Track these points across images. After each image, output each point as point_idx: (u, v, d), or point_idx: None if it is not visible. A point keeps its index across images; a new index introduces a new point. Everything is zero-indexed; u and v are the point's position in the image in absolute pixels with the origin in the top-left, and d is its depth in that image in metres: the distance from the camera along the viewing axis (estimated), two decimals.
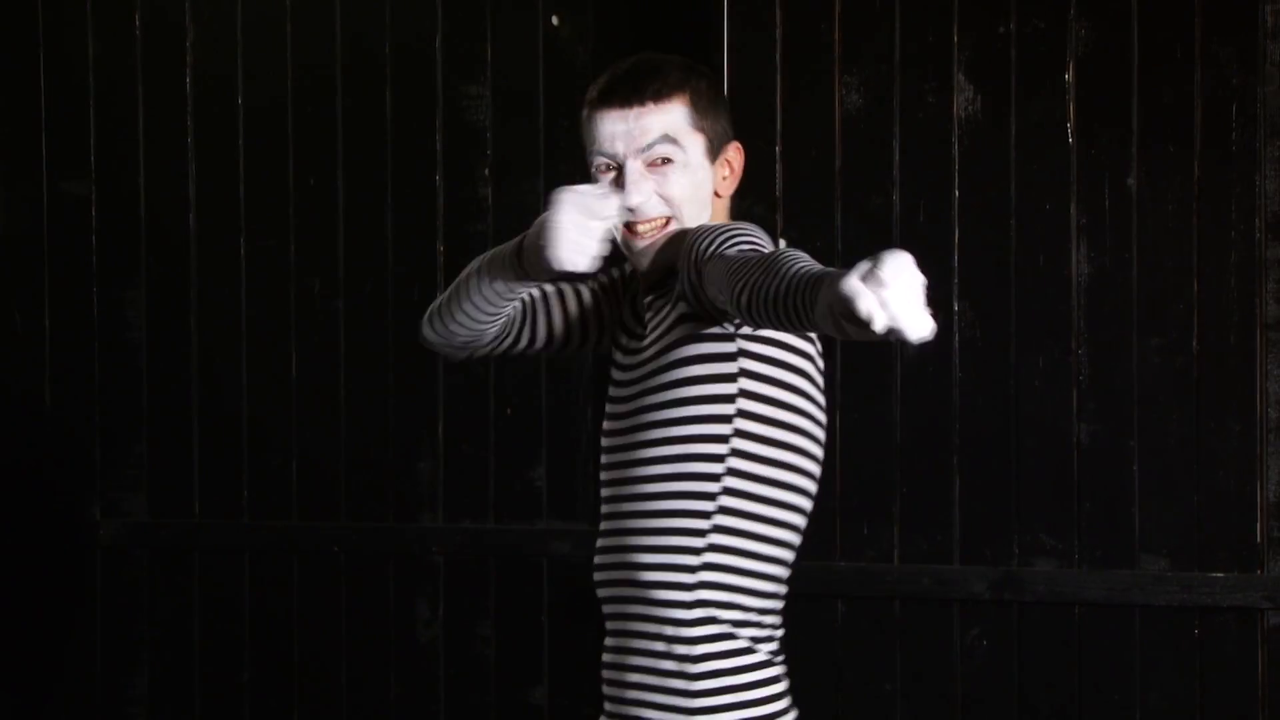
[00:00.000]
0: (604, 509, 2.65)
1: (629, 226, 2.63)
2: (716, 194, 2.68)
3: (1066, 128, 3.98)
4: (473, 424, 4.38)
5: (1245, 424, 3.92)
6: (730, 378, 2.56)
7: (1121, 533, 3.96)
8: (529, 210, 4.06)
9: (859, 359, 4.06)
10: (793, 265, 2.26)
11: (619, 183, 2.61)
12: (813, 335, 2.58)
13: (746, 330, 2.55)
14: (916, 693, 4.05)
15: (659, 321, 2.62)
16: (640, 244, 2.63)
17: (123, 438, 4.61)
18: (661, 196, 2.62)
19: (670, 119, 2.63)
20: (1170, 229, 3.95)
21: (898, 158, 4.06)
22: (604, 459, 2.65)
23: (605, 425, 2.67)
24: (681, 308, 2.58)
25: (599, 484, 2.68)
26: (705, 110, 2.65)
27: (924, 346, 4.04)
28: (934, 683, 4.05)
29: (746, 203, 4.08)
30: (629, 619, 2.59)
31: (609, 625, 2.64)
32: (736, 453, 2.55)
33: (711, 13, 4.12)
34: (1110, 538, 3.97)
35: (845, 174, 4.08)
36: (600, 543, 2.63)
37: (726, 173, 2.68)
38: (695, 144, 2.64)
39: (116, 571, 4.61)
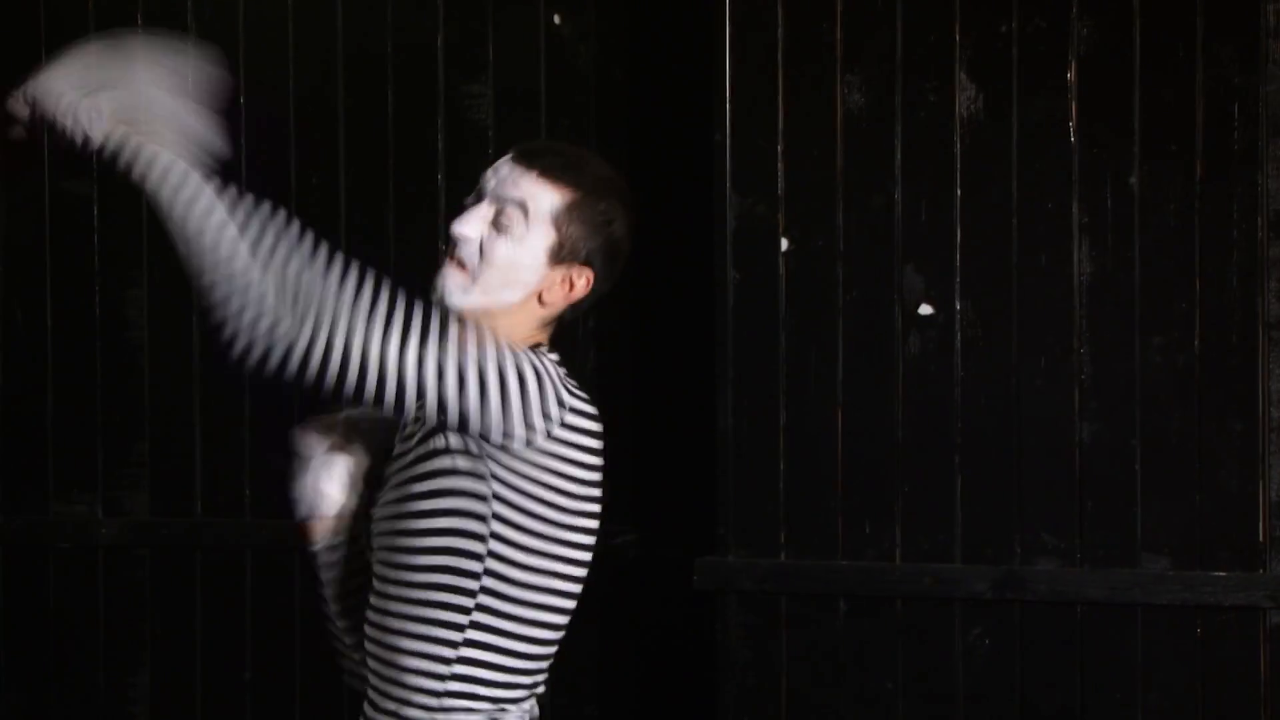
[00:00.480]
0: (375, 569, 2.61)
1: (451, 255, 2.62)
2: (541, 299, 2.62)
3: (1068, 127, 3.98)
4: None
5: (1247, 423, 3.91)
6: (485, 497, 2.54)
7: (1123, 532, 3.96)
8: None
9: (861, 358, 4.07)
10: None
11: (452, 226, 2.62)
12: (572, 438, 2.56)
13: (495, 465, 2.53)
14: (918, 692, 4.06)
15: (416, 432, 2.59)
16: (449, 273, 2.63)
17: (124, 436, 4.61)
18: (481, 249, 2.60)
19: (539, 199, 2.60)
20: (1172, 228, 3.95)
21: (899, 157, 4.06)
22: (376, 524, 2.62)
23: (385, 487, 2.63)
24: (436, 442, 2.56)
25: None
26: (579, 220, 2.61)
27: (925, 345, 4.04)
28: (935, 682, 4.05)
29: (748, 202, 4.09)
30: (383, 691, 2.61)
31: (369, 679, 2.64)
32: (490, 570, 2.55)
33: (712, 12, 4.12)
34: (1112, 537, 3.97)
35: (846, 173, 4.08)
36: (368, 614, 2.62)
37: (565, 290, 2.62)
38: (542, 234, 2.60)
39: (118, 570, 4.61)
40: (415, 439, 2.59)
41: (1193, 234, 3.94)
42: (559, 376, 2.55)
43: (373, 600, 2.61)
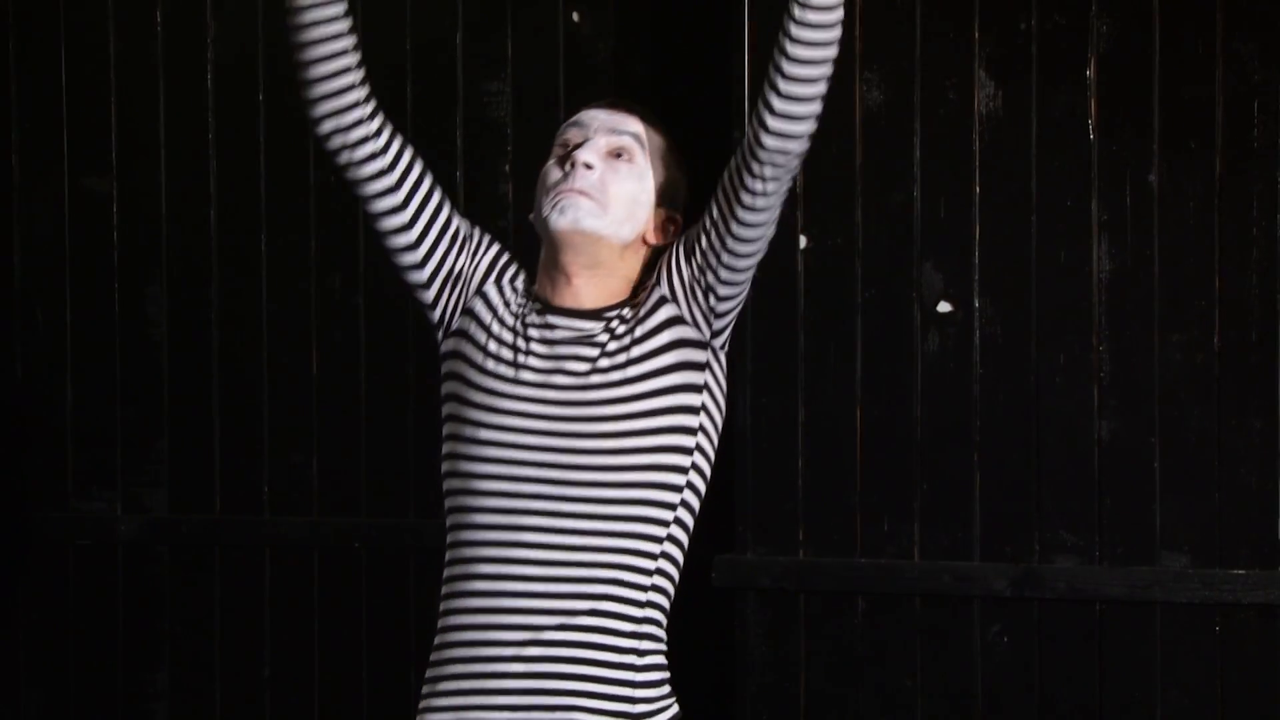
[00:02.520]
0: (523, 515, 2.53)
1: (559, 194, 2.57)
2: (645, 240, 2.63)
3: (1088, 124, 3.98)
4: None
5: (1266, 421, 3.91)
6: (699, 388, 2.57)
7: (1142, 529, 3.96)
8: None
9: (879, 356, 4.06)
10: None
11: (571, 154, 2.58)
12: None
13: (717, 342, 2.59)
14: (937, 689, 4.05)
15: (632, 330, 2.57)
16: (574, 198, 2.56)
17: (144, 434, 4.62)
18: (602, 178, 2.57)
19: (650, 136, 2.62)
20: (1191, 225, 3.94)
21: (919, 154, 4.06)
22: (525, 455, 2.55)
23: (515, 422, 2.56)
24: (668, 311, 2.57)
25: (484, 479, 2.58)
26: (677, 164, 2.65)
27: (945, 342, 4.04)
28: (954, 680, 4.04)
29: None
30: (571, 629, 2.52)
31: (521, 635, 2.53)
32: (695, 466, 2.57)
33: (732, 9, 4.12)
34: (1131, 534, 3.97)
35: (866, 170, 4.08)
36: (524, 554, 2.53)
37: (662, 234, 2.63)
38: (654, 171, 2.61)
39: (137, 567, 4.62)
40: (625, 341, 2.57)
41: (1212, 231, 3.93)
42: None
43: (535, 533, 2.53)
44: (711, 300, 2.59)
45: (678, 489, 2.55)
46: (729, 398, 3.94)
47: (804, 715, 4.10)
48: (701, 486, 2.59)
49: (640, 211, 2.60)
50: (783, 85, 2.45)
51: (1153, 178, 3.96)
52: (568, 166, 2.57)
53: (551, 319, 2.59)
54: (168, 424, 4.61)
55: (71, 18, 4.66)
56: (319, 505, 4.50)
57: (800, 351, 4.10)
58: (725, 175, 2.54)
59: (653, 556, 2.55)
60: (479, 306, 2.64)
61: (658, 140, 2.63)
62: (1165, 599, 3.94)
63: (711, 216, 2.55)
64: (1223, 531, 3.93)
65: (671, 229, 2.65)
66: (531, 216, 2.65)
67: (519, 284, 2.66)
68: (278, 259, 4.55)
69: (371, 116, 2.63)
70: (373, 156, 2.61)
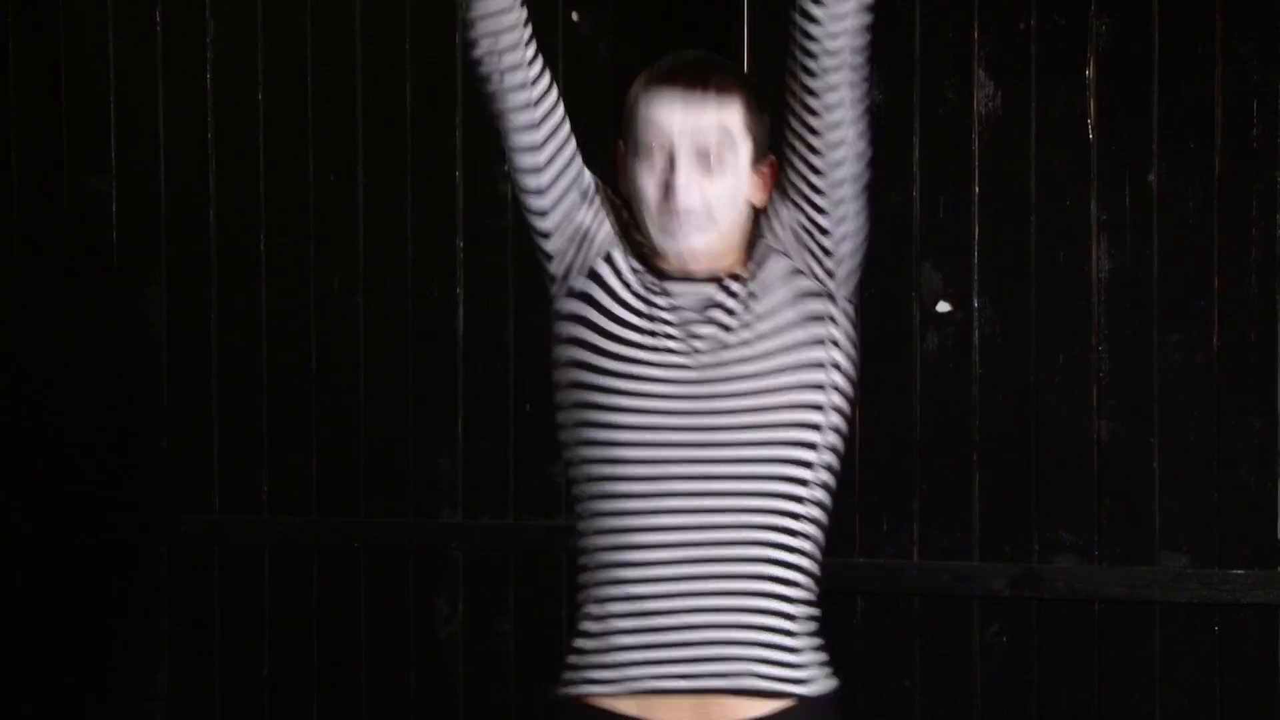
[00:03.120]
0: (673, 481, 2.53)
1: (666, 220, 2.57)
2: (751, 202, 2.62)
3: (1087, 124, 3.98)
4: (493, 420, 4.38)
5: (1266, 421, 3.91)
6: (823, 342, 2.58)
7: (1142, 529, 3.96)
8: None
9: (878, 356, 4.06)
10: None
11: (667, 174, 2.56)
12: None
13: (843, 291, 2.62)
14: (936, 689, 4.05)
15: (752, 293, 2.57)
16: (685, 222, 2.55)
17: (142, 434, 4.62)
18: (702, 195, 2.56)
19: (728, 116, 2.58)
20: (1191, 225, 3.94)
21: (917, 153, 4.06)
22: (669, 421, 2.54)
23: (656, 389, 2.56)
24: (780, 265, 2.58)
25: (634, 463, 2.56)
26: (757, 113, 2.61)
27: (944, 342, 4.04)
28: (953, 680, 4.05)
29: None
30: (740, 594, 2.55)
31: (685, 603, 2.54)
32: (832, 425, 2.58)
33: (732, 8, 4.12)
34: (1130, 534, 3.97)
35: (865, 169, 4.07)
36: (679, 519, 2.53)
37: (763, 185, 2.63)
38: (745, 148, 2.59)
39: (135, 567, 4.62)
40: (753, 300, 2.59)
41: (1212, 231, 3.94)
42: None
43: (685, 498, 2.54)
44: (821, 239, 2.60)
45: (814, 447, 2.56)
46: None
47: None
48: (840, 445, 2.60)
49: (739, 196, 2.59)
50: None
51: (1152, 177, 3.96)
52: (665, 193, 2.55)
53: (670, 286, 2.60)
54: (166, 424, 4.60)
55: (71, 16, 4.65)
56: (318, 505, 4.50)
57: None
58: (789, 97, 2.53)
59: (797, 517, 2.57)
60: (605, 270, 2.64)
61: (737, 116, 2.59)
62: (1164, 599, 3.94)
63: (792, 147, 2.55)
64: (1222, 531, 3.93)
65: (766, 177, 2.63)
66: (622, 157, 2.64)
67: (630, 257, 2.66)
68: (277, 259, 4.54)
69: (527, 44, 2.69)
70: (521, 86, 2.68)
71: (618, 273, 2.63)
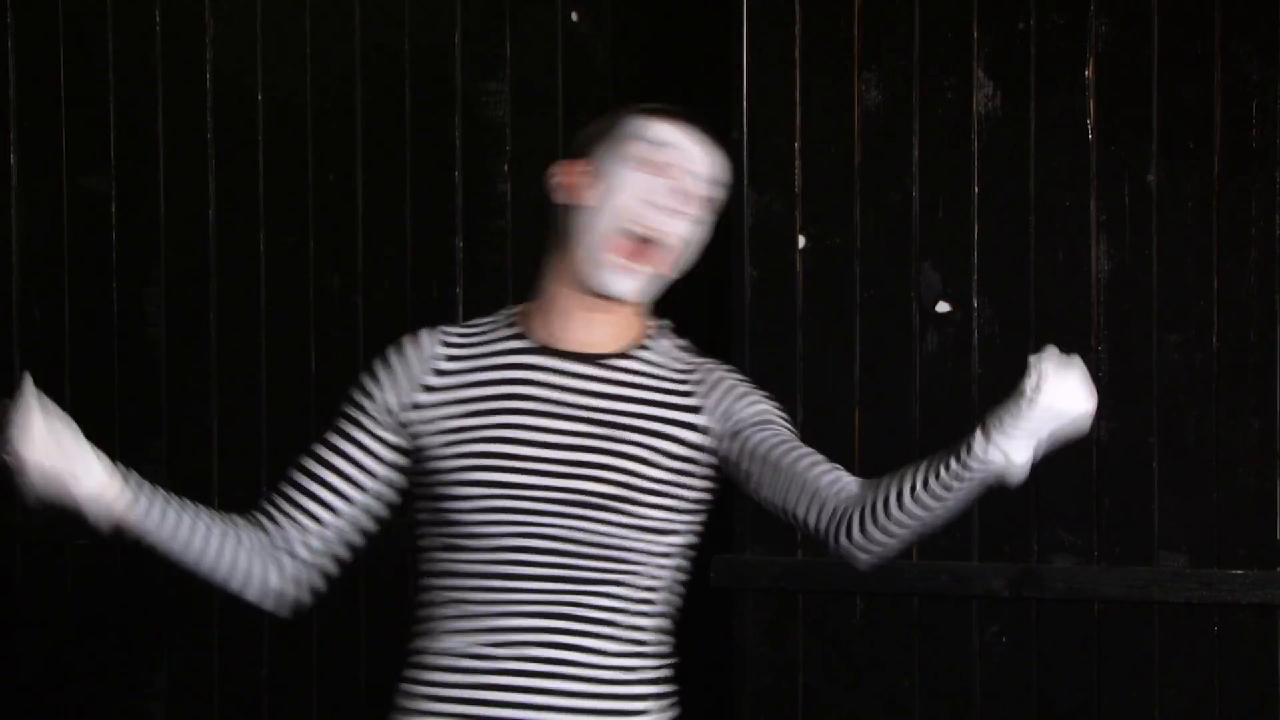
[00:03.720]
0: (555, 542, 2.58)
1: (622, 245, 2.55)
2: None
3: (1086, 124, 3.98)
4: None
5: (1265, 421, 3.91)
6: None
7: (1141, 530, 3.96)
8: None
9: (878, 356, 4.06)
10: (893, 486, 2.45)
11: (665, 197, 2.55)
12: None
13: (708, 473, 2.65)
14: (935, 689, 4.05)
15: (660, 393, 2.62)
16: (628, 272, 2.55)
17: (141, 433, 4.61)
18: (681, 235, 2.57)
19: (716, 169, 2.60)
20: (1190, 225, 3.94)
21: (917, 154, 4.06)
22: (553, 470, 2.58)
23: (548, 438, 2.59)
24: (697, 419, 2.61)
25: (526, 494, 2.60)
26: (723, 181, 2.65)
27: (943, 342, 4.04)
28: (952, 679, 4.04)
29: (765, 199, 4.09)
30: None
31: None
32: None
33: (731, 8, 4.12)
34: (1129, 535, 3.97)
35: (864, 170, 4.08)
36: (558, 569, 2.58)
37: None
38: (712, 202, 2.62)
39: (135, 566, 4.62)
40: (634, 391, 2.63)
41: (1211, 231, 3.94)
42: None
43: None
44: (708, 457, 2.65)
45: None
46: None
47: (802, 715, 4.10)
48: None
49: (688, 254, 2.61)
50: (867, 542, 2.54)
51: (1151, 178, 3.96)
52: (659, 205, 2.54)
53: (544, 360, 2.62)
54: (165, 423, 4.60)
55: (70, 16, 4.65)
56: None
57: (799, 351, 4.10)
58: (787, 464, 2.58)
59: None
60: (428, 412, 2.68)
61: (720, 168, 2.61)
62: (1163, 599, 3.94)
63: (755, 452, 2.59)
64: (1221, 531, 3.93)
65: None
66: (559, 189, 2.64)
67: (429, 351, 2.73)
68: (277, 259, 4.54)
69: (316, 561, 2.73)
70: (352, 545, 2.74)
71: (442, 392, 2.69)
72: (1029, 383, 2.28)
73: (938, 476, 2.38)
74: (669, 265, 2.57)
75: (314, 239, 4.52)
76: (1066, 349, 3.98)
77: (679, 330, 4.40)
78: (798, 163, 4.10)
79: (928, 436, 4.05)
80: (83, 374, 4.64)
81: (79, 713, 4.67)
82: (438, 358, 2.68)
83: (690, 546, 2.65)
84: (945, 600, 4.04)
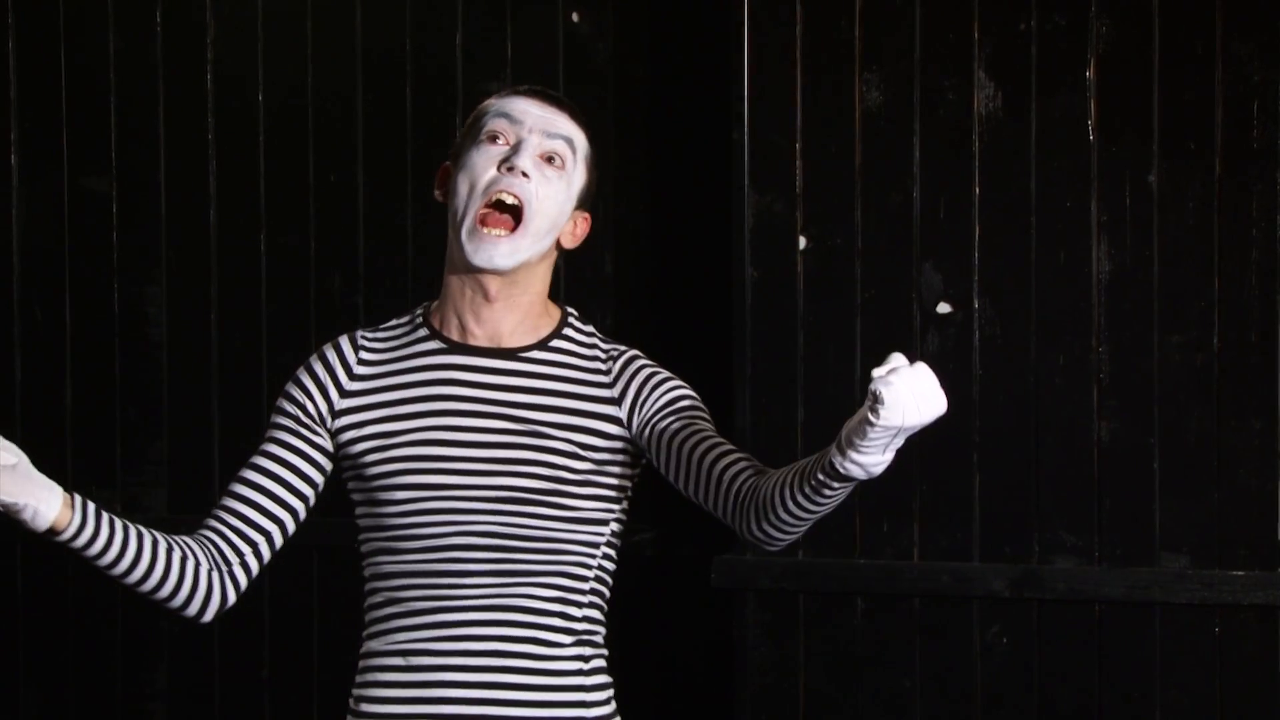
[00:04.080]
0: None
1: (484, 215, 2.58)
2: (558, 243, 2.67)
3: (1087, 125, 3.98)
4: None
5: (1266, 421, 3.91)
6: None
7: (1142, 530, 3.96)
8: None
9: (879, 357, 4.06)
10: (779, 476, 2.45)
11: (507, 160, 2.58)
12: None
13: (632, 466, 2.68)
14: (936, 690, 4.05)
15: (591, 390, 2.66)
16: (493, 239, 2.57)
17: (143, 433, 4.62)
18: (535, 191, 2.59)
19: (577, 136, 2.64)
20: (1191, 226, 3.94)
21: (918, 155, 4.06)
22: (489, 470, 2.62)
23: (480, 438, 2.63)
24: (617, 412, 2.64)
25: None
26: (594, 158, 2.67)
27: (944, 343, 4.04)
28: (953, 680, 4.04)
29: (766, 200, 4.09)
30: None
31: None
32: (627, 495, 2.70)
33: (731, 8, 4.12)
34: (1130, 535, 3.96)
35: (865, 171, 4.08)
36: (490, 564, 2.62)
37: (574, 230, 2.67)
38: (579, 175, 2.65)
39: None
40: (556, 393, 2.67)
41: (1212, 232, 3.93)
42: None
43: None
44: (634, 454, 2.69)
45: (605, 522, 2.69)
46: (728, 399, 3.94)
47: (803, 716, 4.10)
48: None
49: (561, 219, 2.63)
50: (768, 527, 2.52)
51: (1152, 178, 3.96)
52: (503, 169, 2.58)
53: (461, 359, 2.66)
54: (167, 424, 4.61)
55: (71, 16, 4.65)
56: (318, 505, 4.49)
57: (799, 352, 4.10)
58: (693, 453, 2.59)
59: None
60: (356, 416, 2.69)
61: (583, 142, 2.66)
62: (1164, 600, 3.94)
63: (664, 440, 2.61)
64: (1222, 532, 3.93)
65: (580, 227, 2.69)
66: (438, 194, 2.68)
67: (348, 358, 2.74)
68: (277, 259, 4.55)
69: (229, 579, 2.71)
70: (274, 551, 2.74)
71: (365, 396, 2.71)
72: (869, 404, 2.30)
73: (811, 483, 2.41)
74: (534, 227, 2.59)
75: (315, 239, 4.53)
76: (1068, 349, 4.00)
77: (681, 330, 4.42)
78: (799, 163, 4.10)
79: (929, 437, 4.05)
80: (83, 374, 4.65)
81: (79, 711, 4.67)
82: (356, 363, 2.71)
83: (616, 535, 2.68)
84: (946, 601, 4.04)
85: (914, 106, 4.06)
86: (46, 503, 2.45)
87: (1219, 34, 3.92)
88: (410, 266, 4.46)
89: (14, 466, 2.44)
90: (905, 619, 4.06)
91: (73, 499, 2.49)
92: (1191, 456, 3.94)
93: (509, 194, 2.57)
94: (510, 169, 2.58)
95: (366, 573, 2.71)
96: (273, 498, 2.68)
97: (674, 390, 2.65)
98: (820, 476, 2.39)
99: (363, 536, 2.71)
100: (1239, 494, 3.92)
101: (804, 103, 4.10)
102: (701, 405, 2.67)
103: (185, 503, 4.58)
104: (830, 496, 2.41)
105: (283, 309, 4.54)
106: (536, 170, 2.59)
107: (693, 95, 4.39)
